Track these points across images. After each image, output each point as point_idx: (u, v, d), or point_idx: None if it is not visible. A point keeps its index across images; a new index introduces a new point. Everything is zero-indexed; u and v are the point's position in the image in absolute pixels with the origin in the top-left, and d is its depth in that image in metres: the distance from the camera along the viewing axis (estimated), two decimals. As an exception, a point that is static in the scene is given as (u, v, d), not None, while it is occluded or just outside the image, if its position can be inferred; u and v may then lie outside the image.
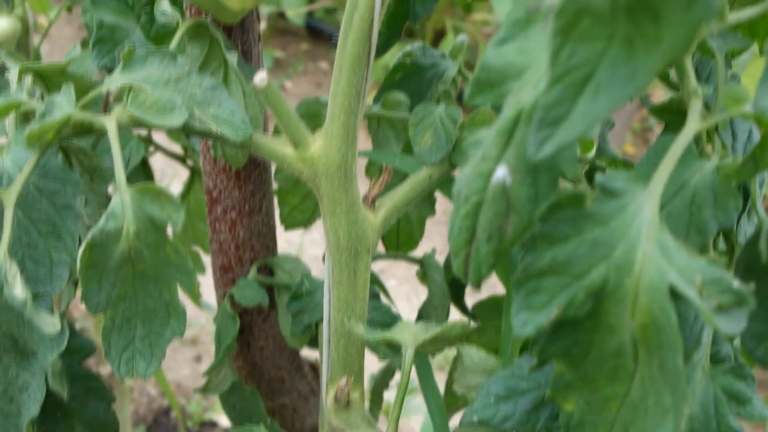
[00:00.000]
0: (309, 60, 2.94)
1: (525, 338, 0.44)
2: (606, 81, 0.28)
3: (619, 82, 0.28)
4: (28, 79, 0.52)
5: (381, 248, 0.79)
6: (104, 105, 0.66)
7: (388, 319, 0.67)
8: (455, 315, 0.75)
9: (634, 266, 0.33)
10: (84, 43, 0.79)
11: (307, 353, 0.89)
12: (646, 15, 0.27)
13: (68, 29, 2.75)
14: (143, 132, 0.86)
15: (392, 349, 0.64)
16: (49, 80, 0.54)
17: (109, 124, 0.46)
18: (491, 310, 0.76)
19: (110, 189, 0.56)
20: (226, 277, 0.74)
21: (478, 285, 0.37)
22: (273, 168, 0.72)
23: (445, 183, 0.54)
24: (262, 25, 2.76)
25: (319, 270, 0.56)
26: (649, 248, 0.33)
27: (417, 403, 1.60)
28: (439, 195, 0.72)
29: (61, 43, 2.65)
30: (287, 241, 2.01)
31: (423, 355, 0.64)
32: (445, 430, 0.61)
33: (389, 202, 0.53)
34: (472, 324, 0.52)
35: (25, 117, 0.58)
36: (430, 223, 0.78)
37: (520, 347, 0.60)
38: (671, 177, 0.35)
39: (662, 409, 0.35)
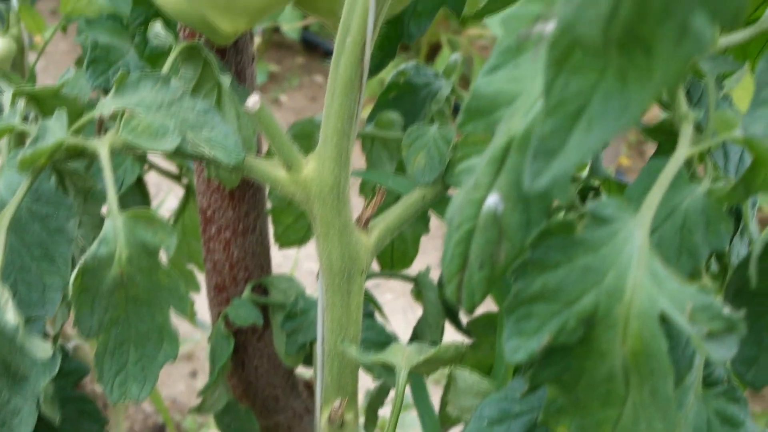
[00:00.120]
0: (304, 74, 2.94)
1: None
2: (599, 113, 0.28)
3: (613, 114, 0.28)
4: (22, 102, 0.52)
5: (375, 266, 0.79)
6: (98, 126, 0.67)
7: (382, 338, 0.67)
8: (450, 330, 0.75)
9: (625, 293, 0.33)
10: (78, 62, 0.79)
11: (302, 371, 0.89)
12: (637, 48, 0.27)
13: (64, 44, 2.76)
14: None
15: (387, 370, 0.64)
16: (42, 103, 0.54)
17: (102, 148, 0.47)
18: (486, 326, 0.75)
19: (104, 209, 0.57)
20: (220, 296, 0.74)
21: (471, 311, 0.37)
22: (267, 188, 0.72)
23: (439, 203, 0.54)
24: (257, 40, 2.77)
25: (314, 285, 0.56)
26: (639, 275, 0.33)
27: (412, 418, 1.59)
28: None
29: (56, 59, 2.65)
30: (283, 255, 2.01)
31: (417, 374, 0.64)
32: (440, 449, 0.61)
33: (382, 224, 0.53)
34: (466, 343, 0.52)
35: (20, 138, 0.58)
36: (425, 238, 0.78)
37: (513, 368, 0.60)
38: (662, 201, 0.35)
39: (654, 434, 0.35)
